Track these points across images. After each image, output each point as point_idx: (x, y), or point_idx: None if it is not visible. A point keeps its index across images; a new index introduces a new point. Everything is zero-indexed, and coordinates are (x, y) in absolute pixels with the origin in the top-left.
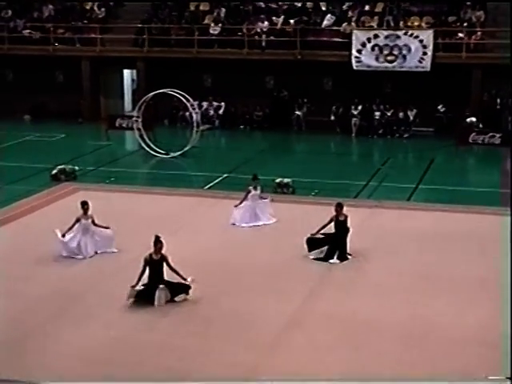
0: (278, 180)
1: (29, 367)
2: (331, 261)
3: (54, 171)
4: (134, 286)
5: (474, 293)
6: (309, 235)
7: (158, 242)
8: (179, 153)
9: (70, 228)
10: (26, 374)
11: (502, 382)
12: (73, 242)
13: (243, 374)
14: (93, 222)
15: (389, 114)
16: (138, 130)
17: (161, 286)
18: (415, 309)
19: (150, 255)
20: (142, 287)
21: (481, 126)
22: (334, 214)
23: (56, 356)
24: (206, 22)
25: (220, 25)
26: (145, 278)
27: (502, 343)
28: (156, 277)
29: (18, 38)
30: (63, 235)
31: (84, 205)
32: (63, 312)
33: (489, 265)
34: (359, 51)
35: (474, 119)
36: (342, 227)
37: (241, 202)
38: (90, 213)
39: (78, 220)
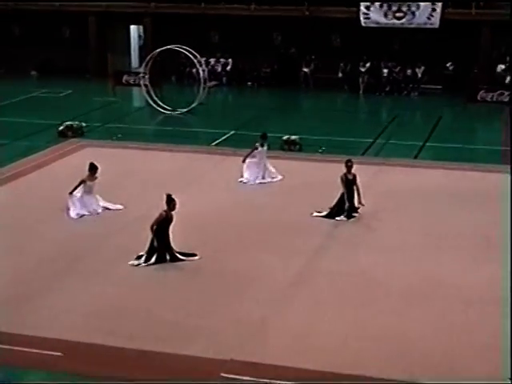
0: (285, 137)
1: (37, 323)
2: (338, 218)
3: (61, 127)
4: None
5: (480, 251)
6: (324, 213)
7: (172, 200)
8: (186, 109)
9: (75, 188)
10: (35, 329)
11: (502, 381)
12: (79, 203)
13: (249, 329)
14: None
15: (397, 71)
16: (145, 86)
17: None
18: (421, 267)
19: (166, 212)
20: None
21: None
22: (343, 171)
23: (64, 312)
24: None
25: None
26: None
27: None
28: (167, 236)
29: None
30: (71, 193)
31: (92, 168)
32: (71, 269)
33: (495, 223)
34: (368, 7)
35: (503, 66)
36: (350, 186)
37: (245, 158)
38: (97, 175)
39: (82, 181)
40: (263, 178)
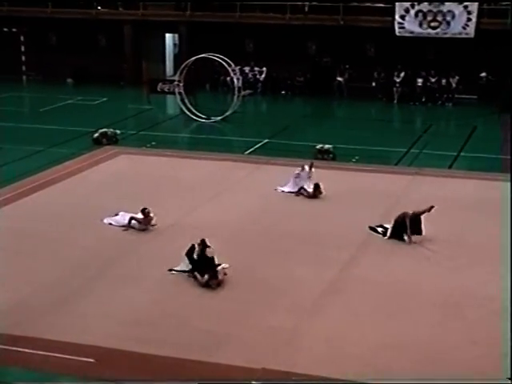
0: (318, 146)
1: (70, 328)
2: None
3: (96, 135)
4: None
5: None
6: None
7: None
8: (220, 117)
9: (129, 222)
10: (68, 335)
11: (502, 381)
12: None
13: (281, 338)
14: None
15: (431, 80)
16: (180, 94)
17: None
18: (454, 277)
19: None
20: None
21: None
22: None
23: (97, 318)
24: None
25: None
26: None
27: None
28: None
29: (61, 1)
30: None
31: (144, 210)
32: (103, 275)
33: None
34: (402, 17)
35: None
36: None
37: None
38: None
39: (133, 219)
40: (298, 190)
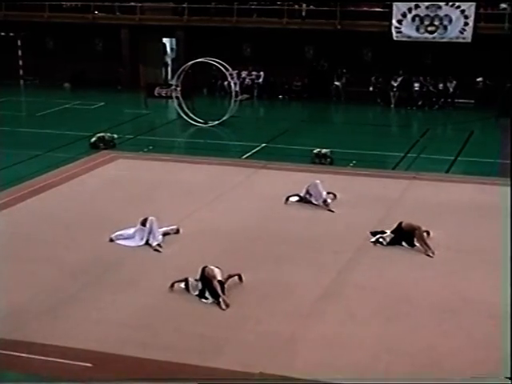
0: (316, 150)
1: (67, 333)
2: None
3: (93, 139)
4: None
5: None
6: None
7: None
8: (217, 122)
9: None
10: (65, 339)
11: (502, 381)
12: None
13: (278, 343)
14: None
15: (428, 85)
16: (177, 98)
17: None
18: (452, 282)
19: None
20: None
21: None
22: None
23: (94, 322)
24: None
25: None
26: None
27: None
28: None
29: (58, 6)
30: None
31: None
32: (102, 280)
33: None
34: (400, 21)
35: None
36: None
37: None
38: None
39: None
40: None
